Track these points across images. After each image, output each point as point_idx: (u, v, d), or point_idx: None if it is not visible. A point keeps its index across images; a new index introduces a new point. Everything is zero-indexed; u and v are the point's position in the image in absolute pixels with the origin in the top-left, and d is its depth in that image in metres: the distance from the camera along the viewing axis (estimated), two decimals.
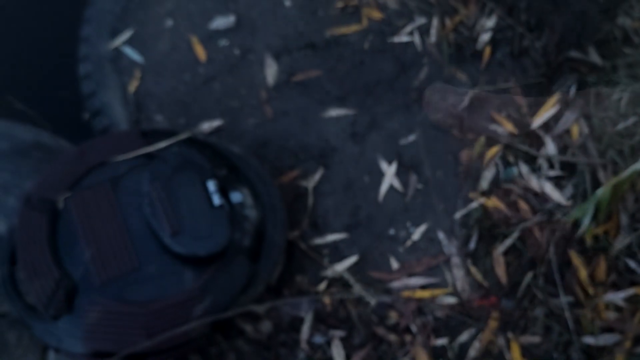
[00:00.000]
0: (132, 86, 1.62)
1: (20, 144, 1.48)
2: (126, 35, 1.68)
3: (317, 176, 1.49)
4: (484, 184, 1.42)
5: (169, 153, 1.29)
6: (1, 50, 1.72)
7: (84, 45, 1.68)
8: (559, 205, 1.35)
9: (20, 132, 1.50)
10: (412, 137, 1.51)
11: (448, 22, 1.62)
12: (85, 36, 1.69)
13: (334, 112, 1.56)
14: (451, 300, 1.33)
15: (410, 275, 1.38)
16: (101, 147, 1.33)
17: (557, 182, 1.38)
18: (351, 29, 1.64)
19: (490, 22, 1.60)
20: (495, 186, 1.42)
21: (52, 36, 1.75)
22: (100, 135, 1.56)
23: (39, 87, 1.70)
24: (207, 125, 1.57)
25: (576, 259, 1.29)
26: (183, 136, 1.36)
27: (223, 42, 1.66)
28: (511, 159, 1.43)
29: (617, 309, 1.26)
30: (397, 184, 1.46)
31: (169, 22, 1.69)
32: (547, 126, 1.44)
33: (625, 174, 1.24)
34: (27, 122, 1.53)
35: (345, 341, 1.29)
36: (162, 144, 1.33)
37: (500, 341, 1.26)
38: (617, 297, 1.26)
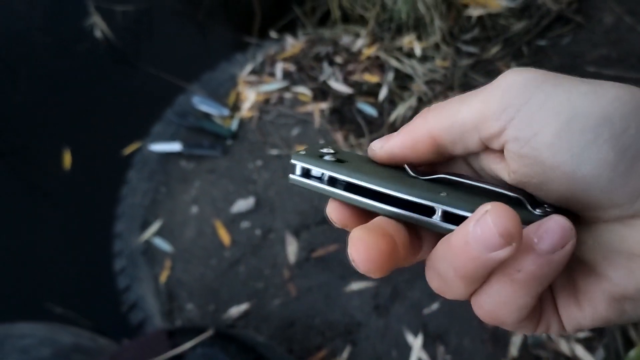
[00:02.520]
0: (163, 276, 1.69)
1: (61, 349, 1.55)
2: (156, 226, 1.77)
3: (346, 354, 1.49)
4: (513, 350, 1.39)
5: (193, 355, 1.32)
6: (38, 260, 1.83)
7: (118, 241, 1.78)
8: None
9: (60, 336, 1.58)
10: (435, 305, 1.50)
11: None
12: (118, 232, 1.79)
13: (356, 285, 1.58)
14: None
15: None
16: (130, 354, 1.39)
17: (588, 344, 1.34)
18: None
19: None
20: (525, 351, 1.38)
21: (87, 236, 1.86)
22: (129, 341, 1.61)
23: (76, 288, 1.79)
24: (235, 310, 1.61)
25: None
26: (207, 334, 1.39)
27: (245, 224, 1.73)
28: None
29: None
30: (424, 357, 1.45)
31: (194, 209, 1.78)
32: None
33: None
34: (66, 324, 1.61)
35: None
36: (187, 345, 1.37)
37: None
38: None
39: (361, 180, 0.33)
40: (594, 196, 0.29)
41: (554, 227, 0.28)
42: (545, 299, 0.33)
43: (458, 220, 0.30)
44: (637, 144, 0.28)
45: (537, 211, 0.31)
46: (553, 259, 0.28)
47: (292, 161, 0.36)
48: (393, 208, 0.32)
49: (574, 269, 0.32)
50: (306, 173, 0.36)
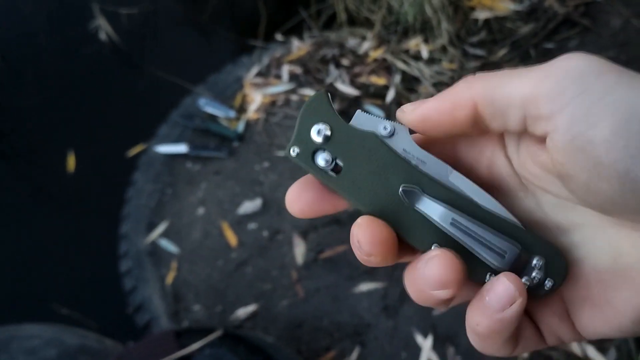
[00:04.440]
0: (170, 277, 1.69)
1: (67, 350, 1.54)
2: (162, 227, 1.76)
3: (354, 355, 1.48)
4: None
5: (201, 356, 1.31)
6: (44, 262, 1.82)
7: (123, 243, 1.77)
8: None
9: (67, 337, 1.57)
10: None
11: None
12: (124, 233, 1.79)
13: (364, 286, 1.57)
14: None
15: None
16: (138, 354, 1.37)
17: (600, 344, 1.33)
18: None
19: None
20: (537, 353, 1.37)
21: (92, 237, 1.85)
22: (136, 342, 1.60)
23: (82, 289, 1.78)
24: (242, 312, 1.60)
25: None
26: (216, 334, 1.38)
27: (252, 226, 1.73)
28: None
29: None
30: (434, 358, 1.44)
31: (201, 211, 1.78)
32: None
33: None
34: (72, 325, 1.60)
35: None
36: (195, 345, 1.36)
37: None
38: None
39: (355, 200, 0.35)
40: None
41: (500, 288, 0.30)
42: (523, 327, 0.35)
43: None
44: None
45: (535, 261, 0.33)
46: (504, 317, 0.30)
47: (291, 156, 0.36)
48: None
49: (605, 281, 0.32)
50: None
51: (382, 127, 0.35)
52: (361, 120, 0.35)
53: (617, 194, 0.28)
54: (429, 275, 0.31)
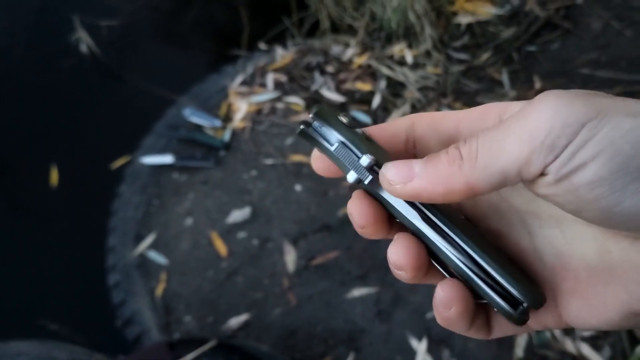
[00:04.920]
0: (159, 289, 1.66)
1: None
2: (150, 239, 1.75)
3: None
4: (519, 350, 1.38)
5: None
6: (31, 278, 1.79)
7: (111, 256, 1.75)
8: None
9: (55, 353, 1.53)
10: None
11: None
12: (112, 246, 1.76)
13: (357, 291, 1.57)
14: None
15: None
16: None
17: (594, 342, 1.34)
18: None
19: None
20: (531, 352, 1.38)
21: (79, 251, 1.82)
22: (129, 355, 1.58)
23: (70, 304, 1.75)
24: (234, 322, 1.58)
25: None
26: (209, 345, 1.37)
27: (241, 235, 1.71)
28: None
29: None
30: None
31: (189, 221, 1.76)
32: None
33: None
34: (61, 341, 1.57)
35: None
36: (189, 356, 1.34)
37: None
38: None
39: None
40: (631, 225, 0.30)
41: (438, 293, 0.34)
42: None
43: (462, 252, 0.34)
44: None
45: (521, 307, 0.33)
46: (450, 316, 0.34)
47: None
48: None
49: (594, 276, 0.33)
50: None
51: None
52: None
53: (604, 222, 0.30)
54: (389, 257, 0.35)
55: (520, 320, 0.33)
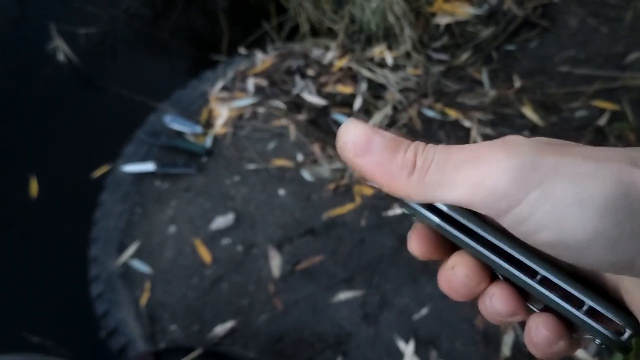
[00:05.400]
0: (144, 299, 1.65)
1: None
2: (133, 248, 1.73)
3: None
4: (506, 350, 1.39)
5: None
6: (12, 290, 1.77)
7: (93, 266, 1.73)
8: None
9: None
10: (424, 311, 1.50)
11: None
12: (94, 256, 1.74)
13: (343, 295, 1.56)
14: None
15: None
16: None
17: None
18: (346, 208, 1.68)
19: None
20: (518, 351, 1.38)
21: (61, 262, 1.80)
22: None
23: (53, 316, 1.73)
24: (220, 329, 1.57)
25: None
26: (195, 353, 1.36)
27: (225, 241, 1.70)
28: None
29: None
30: None
31: (172, 229, 1.74)
32: None
33: None
34: (45, 353, 1.55)
35: None
36: None
37: None
38: None
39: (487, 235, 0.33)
40: (604, 269, 0.31)
41: (541, 332, 0.33)
42: None
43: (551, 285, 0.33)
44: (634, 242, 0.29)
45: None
46: (557, 351, 0.33)
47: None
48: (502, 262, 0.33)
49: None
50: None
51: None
52: None
53: (580, 264, 0.31)
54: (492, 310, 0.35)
55: (627, 347, 0.32)
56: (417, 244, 0.35)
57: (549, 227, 0.29)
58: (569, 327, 0.33)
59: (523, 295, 0.34)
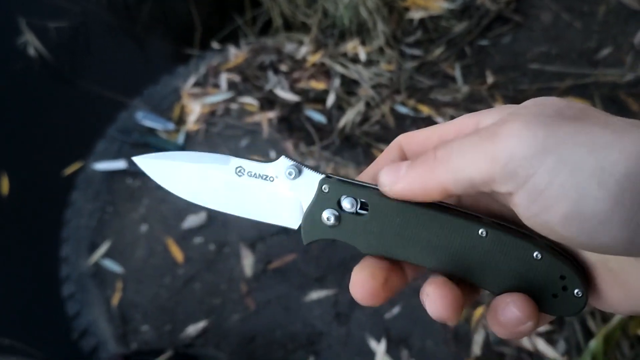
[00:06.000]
0: (115, 299, 1.63)
1: None
2: (104, 247, 1.71)
3: None
4: (476, 348, 1.39)
5: None
6: None
7: (64, 266, 1.71)
8: None
9: None
10: (396, 310, 1.50)
11: None
12: (65, 256, 1.72)
13: (315, 294, 1.56)
14: None
15: None
16: None
17: (549, 337, 1.35)
18: None
19: None
20: (488, 349, 1.38)
21: (31, 262, 1.78)
22: None
23: (23, 318, 1.71)
24: (192, 329, 1.56)
25: None
26: (166, 355, 1.35)
27: (198, 240, 1.69)
28: None
29: None
30: None
31: (144, 228, 1.73)
32: None
33: (615, 320, 1.22)
34: (15, 356, 1.53)
35: None
36: None
37: None
38: None
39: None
40: (610, 254, 0.32)
41: (512, 311, 0.34)
42: None
43: None
44: None
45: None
46: (525, 330, 0.34)
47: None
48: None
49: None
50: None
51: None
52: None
53: (585, 247, 0.32)
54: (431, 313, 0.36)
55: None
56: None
57: (566, 197, 0.29)
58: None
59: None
